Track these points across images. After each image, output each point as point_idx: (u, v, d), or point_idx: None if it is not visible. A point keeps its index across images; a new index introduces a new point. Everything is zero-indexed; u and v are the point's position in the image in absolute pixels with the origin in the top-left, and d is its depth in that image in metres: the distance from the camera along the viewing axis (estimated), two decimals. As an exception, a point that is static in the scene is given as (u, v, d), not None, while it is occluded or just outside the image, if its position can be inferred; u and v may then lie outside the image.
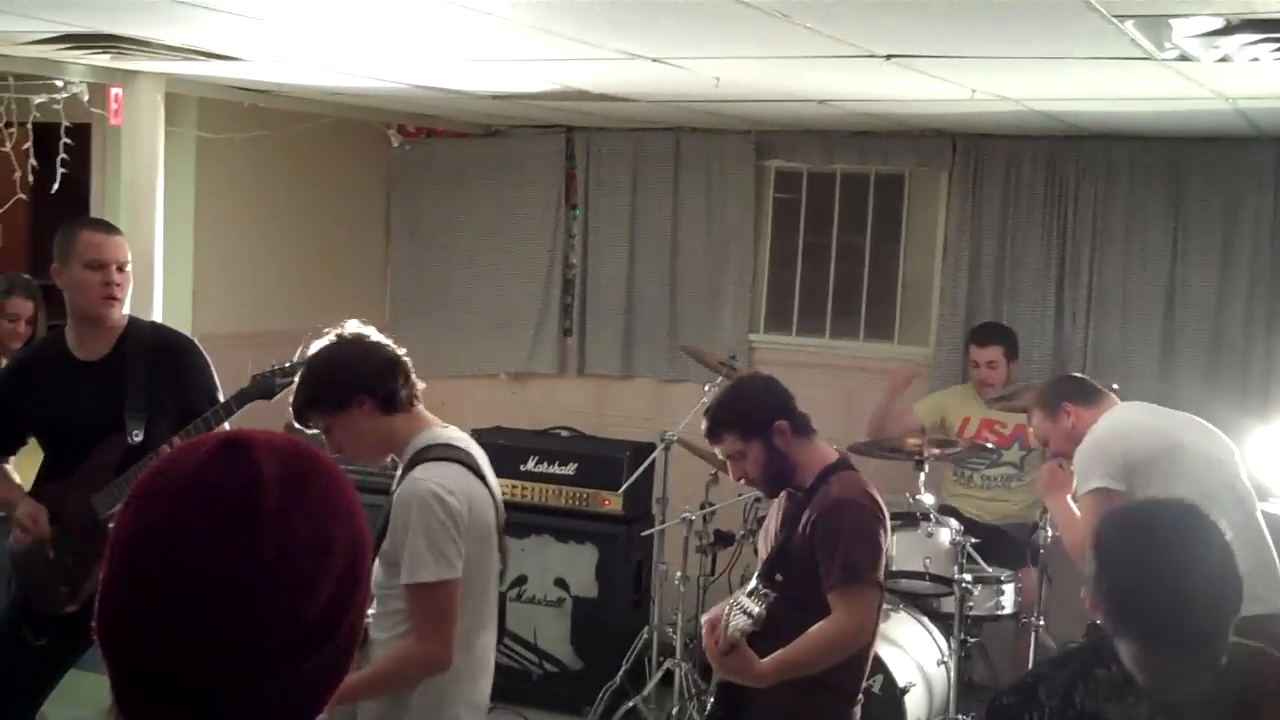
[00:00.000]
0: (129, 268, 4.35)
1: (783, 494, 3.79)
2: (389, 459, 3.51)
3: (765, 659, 3.46)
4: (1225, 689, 2.17)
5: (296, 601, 1.20)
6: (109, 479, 4.19)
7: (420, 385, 3.48)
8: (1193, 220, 6.87)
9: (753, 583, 3.70)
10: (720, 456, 3.85)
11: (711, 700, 3.87)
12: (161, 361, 4.34)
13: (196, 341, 4.58)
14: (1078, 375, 5.09)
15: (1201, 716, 2.17)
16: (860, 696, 3.73)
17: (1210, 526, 2.19)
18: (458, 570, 3.19)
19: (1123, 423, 4.50)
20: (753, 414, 3.72)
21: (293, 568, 1.20)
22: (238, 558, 1.19)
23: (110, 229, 4.42)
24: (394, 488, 3.33)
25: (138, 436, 4.19)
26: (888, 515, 3.70)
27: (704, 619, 3.59)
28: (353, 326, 3.52)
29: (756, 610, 3.38)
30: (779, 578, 3.61)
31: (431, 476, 3.23)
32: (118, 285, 4.27)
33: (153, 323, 4.87)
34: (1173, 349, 6.86)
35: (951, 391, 6.88)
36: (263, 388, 4.18)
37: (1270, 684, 2.22)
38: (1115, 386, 4.92)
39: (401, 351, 3.49)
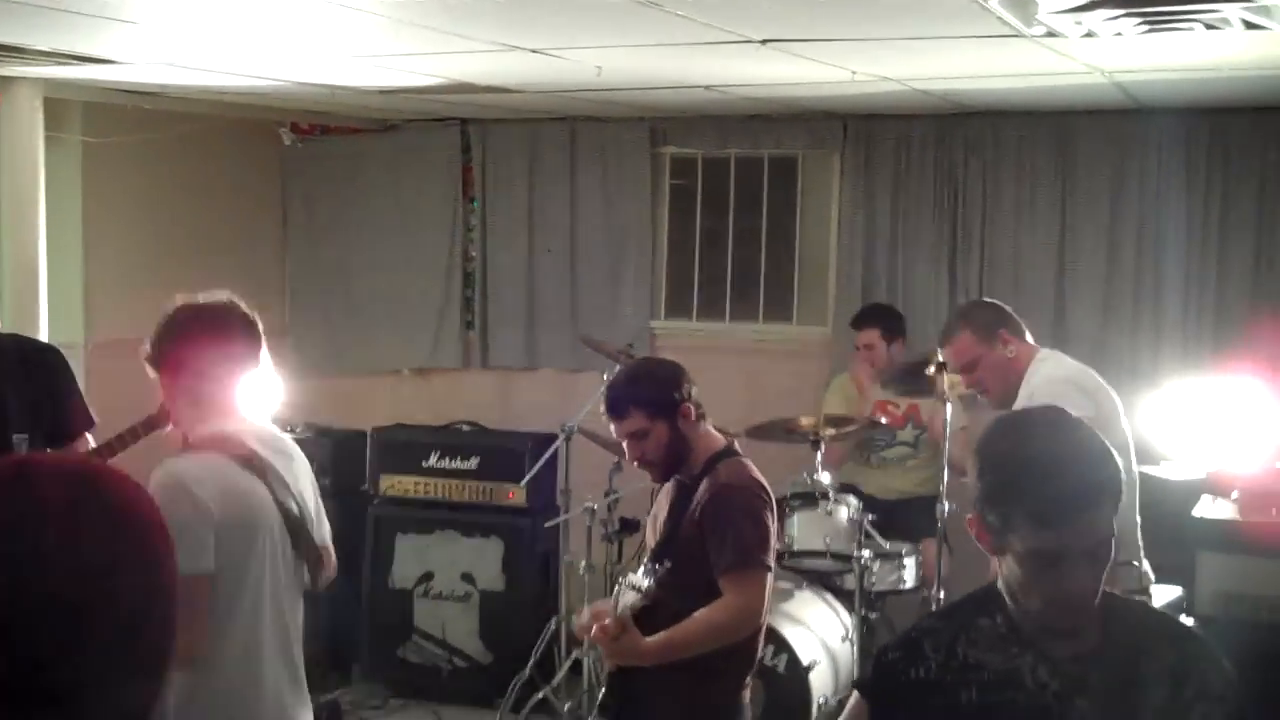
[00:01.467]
0: None
1: (670, 481, 3.81)
2: None
3: (651, 638, 3.49)
4: (1108, 643, 2.21)
5: (89, 631, 1.20)
6: None
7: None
8: (1080, 192, 6.99)
9: (640, 568, 3.72)
10: (618, 436, 3.81)
11: (603, 689, 3.87)
12: (35, 374, 4.30)
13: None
14: (997, 303, 4.82)
15: (1080, 668, 2.19)
16: (749, 680, 3.76)
17: (1079, 422, 2.24)
18: (204, 565, 3.01)
19: (1079, 369, 4.51)
20: (660, 394, 3.71)
21: (82, 598, 1.20)
22: (23, 588, 1.18)
23: None
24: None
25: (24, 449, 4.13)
26: (774, 500, 3.73)
27: (587, 609, 3.62)
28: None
29: (645, 584, 3.41)
30: (667, 564, 3.63)
31: (180, 466, 3.12)
32: None
33: (12, 335, 4.70)
34: (1064, 319, 6.97)
35: (842, 382, 6.89)
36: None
37: (1144, 639, 2.26)
38: None
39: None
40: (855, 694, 2.48)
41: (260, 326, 3.38)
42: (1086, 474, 2.12)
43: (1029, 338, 4.60)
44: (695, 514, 3.62)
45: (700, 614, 3.53)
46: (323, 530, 3.44)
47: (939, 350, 4.86)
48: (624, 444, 3.80)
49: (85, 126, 6.74)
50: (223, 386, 3.27)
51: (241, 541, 3.12)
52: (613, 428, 3.80)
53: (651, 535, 3.86)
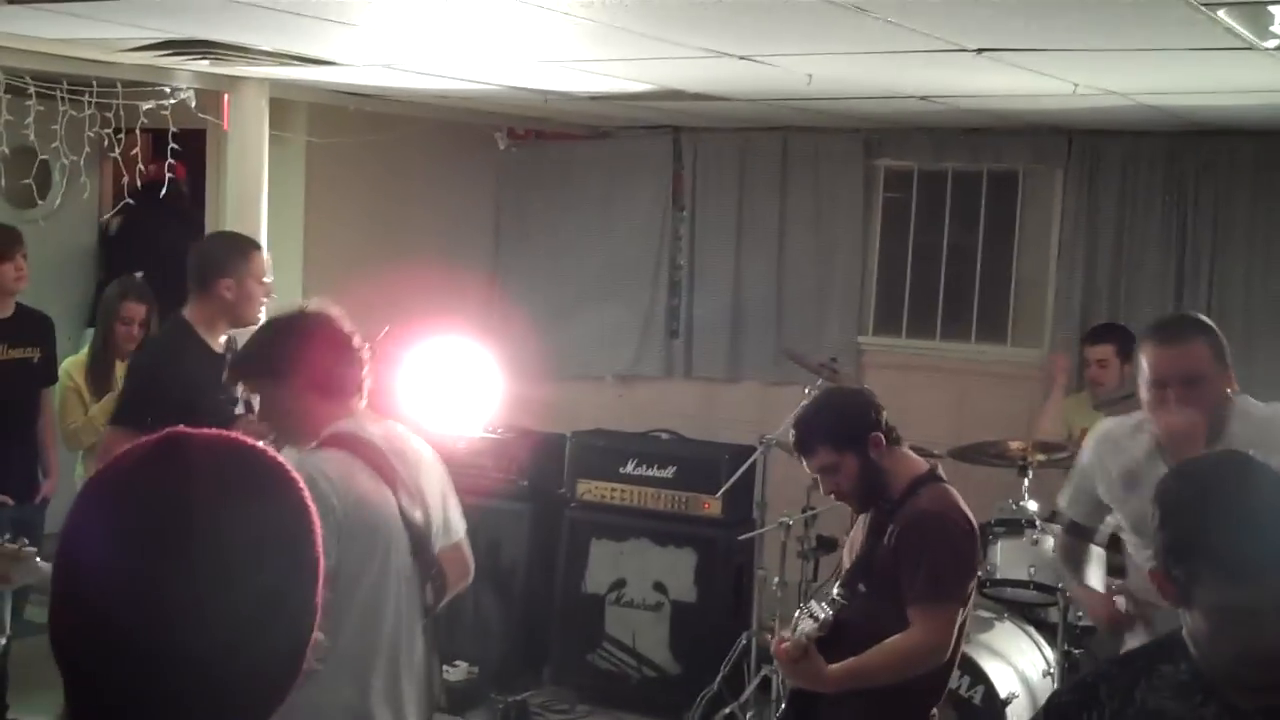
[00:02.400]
0: None
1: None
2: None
3: (835, 665, 3.39)
4: None
5: (235, 601, 1.20)
6: None
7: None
8: (1321, 220, 6.61)
9: (834, 590, 3.63)
10: (810, 471, 3.71)
11: (784, 706, 3.79)
12: None
13: None
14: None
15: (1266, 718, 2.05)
16: (935, 711, 3.62)
17: (1269, 468, 2.12)
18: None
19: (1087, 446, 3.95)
20: (847, 426, 3.61)
21: (229, 568, 1.20)
22: (172, 558, 1.18)
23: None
24: None
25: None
26: (978, 531, 3.59)
27: (775, 637, 3.54)
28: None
29: (824, 616, 3.33)
30: (861, 588, 3.53)
31: (312, 460, 3.11)
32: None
33: None
34: (1299, 354, 6.60)
35: (1070, 401, 6.65)
36: None
37: None
38: None
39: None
40: None
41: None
42: (1275, 523, 1.99)
43: None
44: (892, 540, 3.51)
45: (885, 644, 3.43)
46: (450, 532, 3.39)
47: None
48: (819, 481, 3.72)
49: (310, 127, 6.95)
50: (348, 382, 3.28)
51: (362, 549, 3.10)
52: (804, 464, 3.70)
53: (848, 557, 3.76)
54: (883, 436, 3.59)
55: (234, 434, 1.30)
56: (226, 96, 6.09)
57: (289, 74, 5.69)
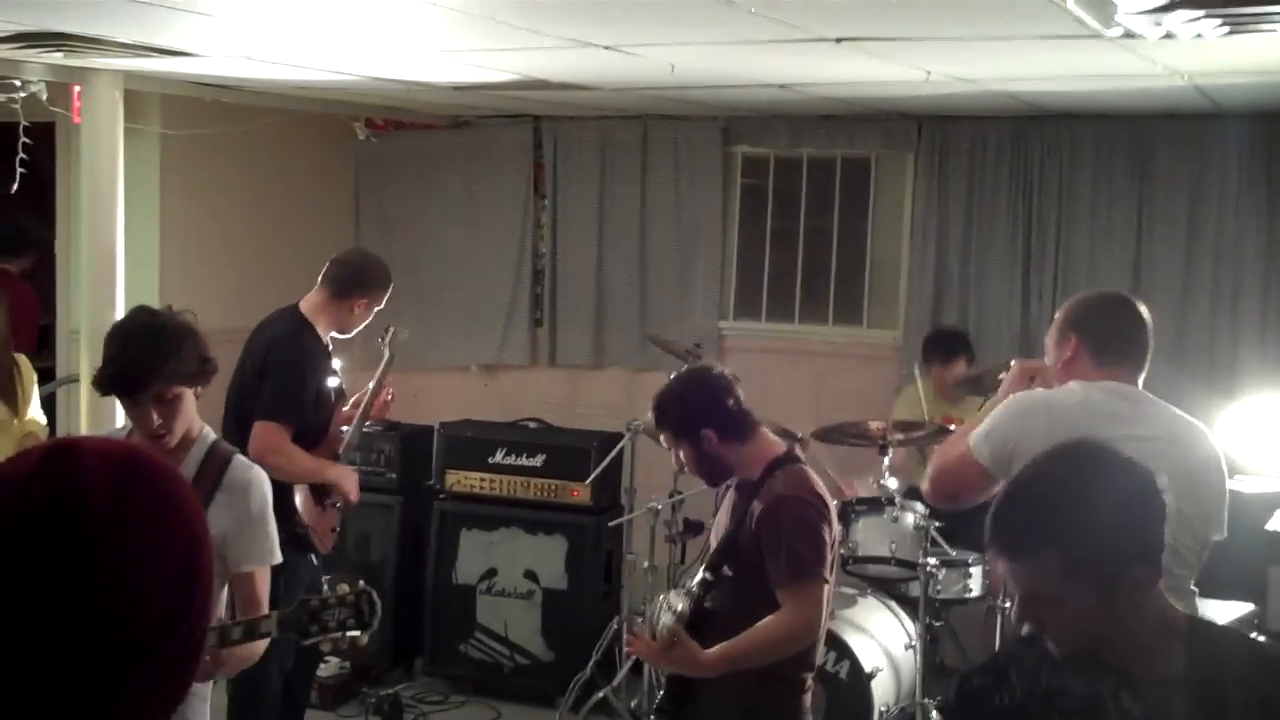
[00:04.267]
0: None
1: (733, 485, 3.79)
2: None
3: (711, 649, 3.48)
4: (1193, 669, 2.15)
5: (129, 613, 1.20)
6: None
7: None
8: (1158, 198, 6.88)
9: (699, 574, 3.71)
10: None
11: (661, 692, 3.86)
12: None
13: None
14: (1123, 318, 3.52)
15: (1164, 693, 2.13)
16: (810, 683, 3.73)
17: (1109, 466, 2.13)
18: None
19: (1052, 400, 3.48)
20: (683, 418, 3.72)
21: (124, 578, 1.20)
22: (65, 571, 1.18)
23: (390, 282, 5.11)
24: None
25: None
26: (832, 508, 3.70)
27: (628, 634, 3.65)
28: None
29: (680, 607, 3.42)
30: (727, 570, 3.62)
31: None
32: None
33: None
34: (1140, 329, 6.86)
35: (914, 390, 6.78)
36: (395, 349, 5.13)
37: (1232, 666, 2.19)
38: None
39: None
40: (935, 715, 2.45)
41: None
42: (1032, 514, 2.08)
43: (1119, 368, 3.41)
44: (751, 523, 3.61)
45: (759, 626, 3.52)
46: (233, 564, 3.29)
47: None
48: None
49: (164, 119, 6.82)
50: None
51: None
52: None
53: (714, 540, 3.84)
54: (714, 434, 3.67)
55: (125, 441, 1.30)
56: (77, 89, 5.95)
57: (144, 65, 5.58)
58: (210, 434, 3.37)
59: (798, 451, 3.82)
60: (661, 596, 3.63)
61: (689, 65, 5.10)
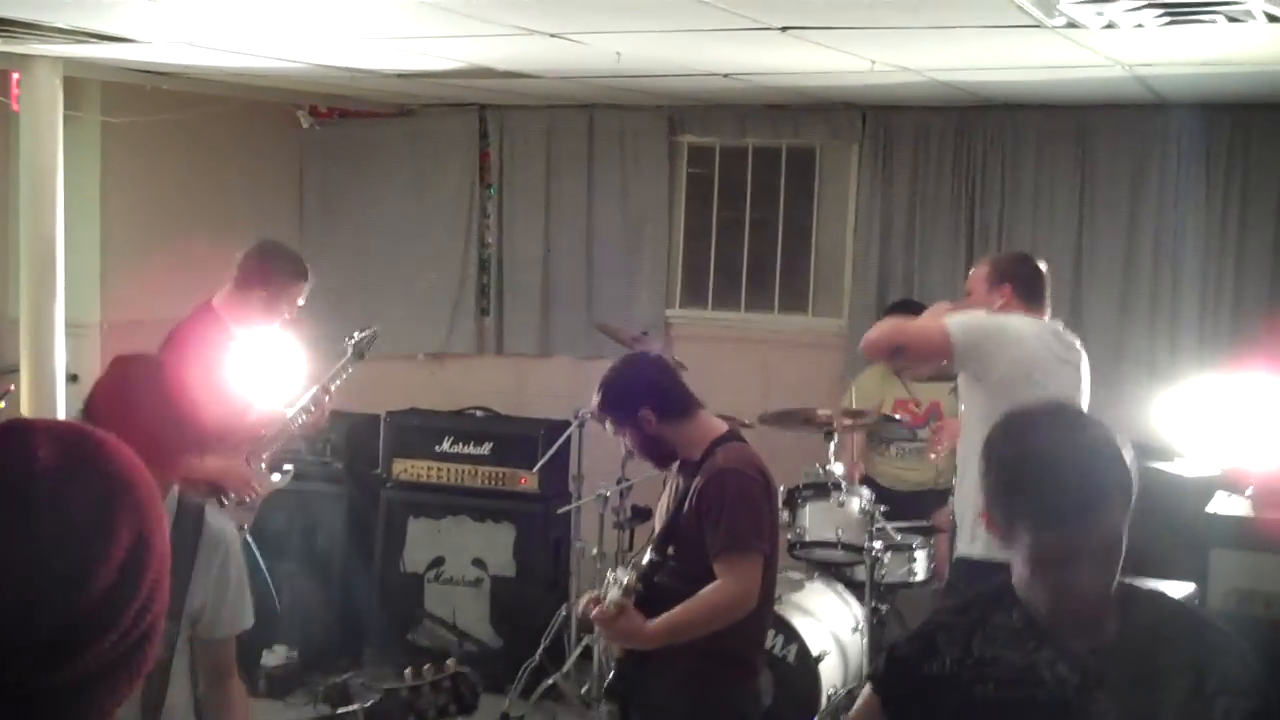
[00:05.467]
0: None
1: (675, 467, 3.82)
2: None
3: (652, 620, 3.52)
4: (1125, 636, 2.18)
5: (71, 590, 1.18)
6: None
7: None
8: (1099, 187, 6.96)
9: (645, 557, 3.75)
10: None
11: (611, 674, 3.88)
12: None
13: None
14: (1044, 274, 4.78)
15: (1099, 661, 2.16)
16: (761, 667, 3.76)
17: (1090, 421, 2.23)
18: None
19: (1021, 328, 4.49)
20: (622, 402, 3.79)
21: (67, 555, 1.18)
22: (8, 543, 1.17)
23: (305, 273, 5.07)
24: None
25: None
26: (772, 482, 3.74)
27: (584, 599, 3.67)
28: None
29: (626, 580, 3.46)
30: (670, 551, 3.65)
31: None
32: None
33: None
34: (1080, 314, 6.93)
35: (868, 375, 6.80)
36: (359, 351, 5.22)
37: (1162, 630, 2.23)
38: None
39: None
40: (868, 687, 2.45)
41: None
42: (1091, 474, 2.09)
43: (1042, 310, 4.67)
44: (693, 500, 3.64)
45: (696, 597, 3.58)
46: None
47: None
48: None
49: (104, 106, 6.75)
50: None
51: None
52: None
53: (658, 521, 3.88)
54: (654, 415, 3.71)
55: (80, 423, 1.28)
56: (16, 76, 5.89)
57: (84, 52, 5.52)
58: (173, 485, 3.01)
59: (739, 431, 3.88)
60: (610, 572, 3.68)
61: (635, 53, 5.11)
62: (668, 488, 3.91)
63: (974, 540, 4.28)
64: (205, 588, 2.93)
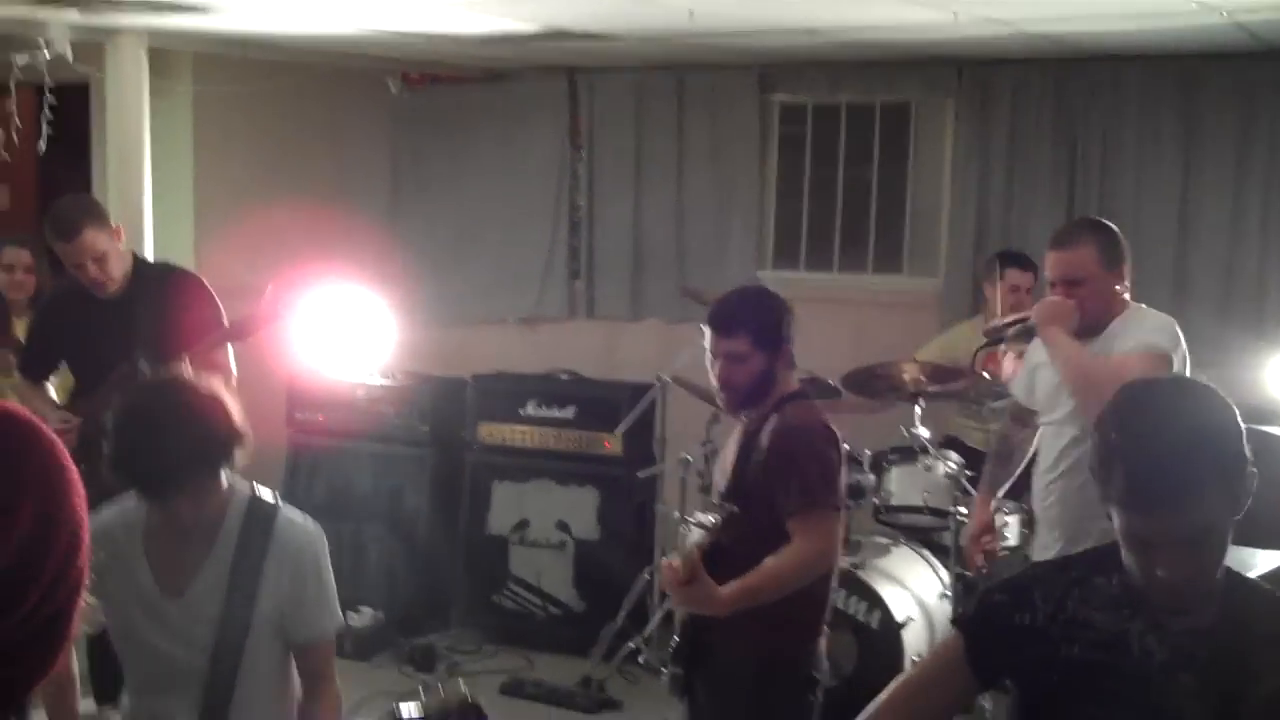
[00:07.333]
0: (104, 245, 4.50)
1: (739, 426, 3.73)
2: None
3: (726, 586, 3.40)
4: (1224, 623, 2.11)
5: None
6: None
7: None
8: (1205, 142, 6.70)
9: (708, 515, 3.67)
10: (715, 352, 3.59)
11: (676, 637, 3.81)
12: (170, 296, 4.60)
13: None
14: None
15: (1191, 642, 2.10)
16: (824, 628, 3.68)
17: (1211, 398, 2.11)
18: None
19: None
20: (773, 327, 3.58)
21: None
22: None
23: (68, 232, 4.45)
24: None
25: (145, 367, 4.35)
26: (840, 439, 3.63)
27: (664, 560, 3.54)
28: None
29: (711, 521, 3.32)
30: (733, 508, 3.57)
31: None
32: (97, 276, 4.52)
33: (163, 262, 5.19)
34: (1185, 278, 6.70)
35: (960, 330, 6.64)
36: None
37: (1262, 626, 2.15)
38: None
39: None
40: (953, 628, 2.39)
41: None
42: (1190, 461, 2.01)
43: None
44: (760, 457, 3.55)
45: (771, 559, 3.44)
46: None
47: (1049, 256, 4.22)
48: (716, 361, 3.61)
49: (196, 76, 6.84)
50: None
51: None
52: (711, 342, 3.60)
53: (720, 479, 3.79)
54: (792, 352, 3.62)
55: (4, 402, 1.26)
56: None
57: (167, 22, 5.58)
58: (244, 488, 3.01)
59: (810, 391, 3.77)
60: (689, 518, 3.52)
61: (708, 10, 5.02)
62: (727, 445, 3.82)
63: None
64: (278, 594, 2.95)
